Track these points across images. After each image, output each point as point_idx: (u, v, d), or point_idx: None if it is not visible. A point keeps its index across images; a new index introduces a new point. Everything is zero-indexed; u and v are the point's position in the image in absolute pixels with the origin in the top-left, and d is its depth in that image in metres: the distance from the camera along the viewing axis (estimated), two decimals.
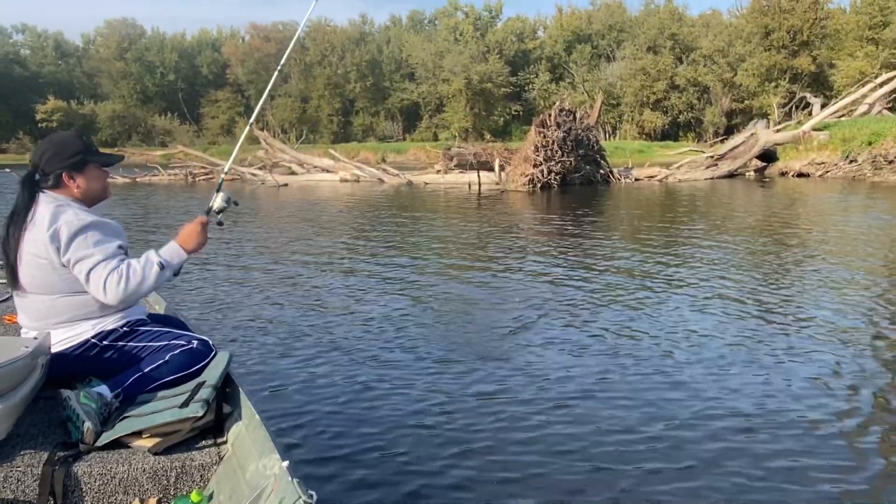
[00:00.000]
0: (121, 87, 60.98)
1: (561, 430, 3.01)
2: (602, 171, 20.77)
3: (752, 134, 24.31)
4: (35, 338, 1.98)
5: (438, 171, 22.33)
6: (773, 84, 45.63)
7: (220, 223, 2.39)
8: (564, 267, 6.96)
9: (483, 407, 3.25)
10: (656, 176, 21.90)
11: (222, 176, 2.64)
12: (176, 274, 2.26)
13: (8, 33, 65.72)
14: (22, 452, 1.81)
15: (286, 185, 21.42)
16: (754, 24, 46.58)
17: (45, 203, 2.14)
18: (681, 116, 51.14)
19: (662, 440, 2.90)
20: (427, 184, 20.94)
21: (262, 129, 29.93)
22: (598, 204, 14.98)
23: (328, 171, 23.66)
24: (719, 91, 49.21)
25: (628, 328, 4.64)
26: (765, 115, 34.98)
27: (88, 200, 2.25)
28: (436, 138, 53.92)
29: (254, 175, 22.89)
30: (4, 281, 3.37)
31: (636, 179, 21.58)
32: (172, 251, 2.18)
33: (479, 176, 18.69)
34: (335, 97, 58.82)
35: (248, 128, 3.09)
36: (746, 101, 47.42)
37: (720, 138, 39.14)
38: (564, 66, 57.12)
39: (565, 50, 58.05)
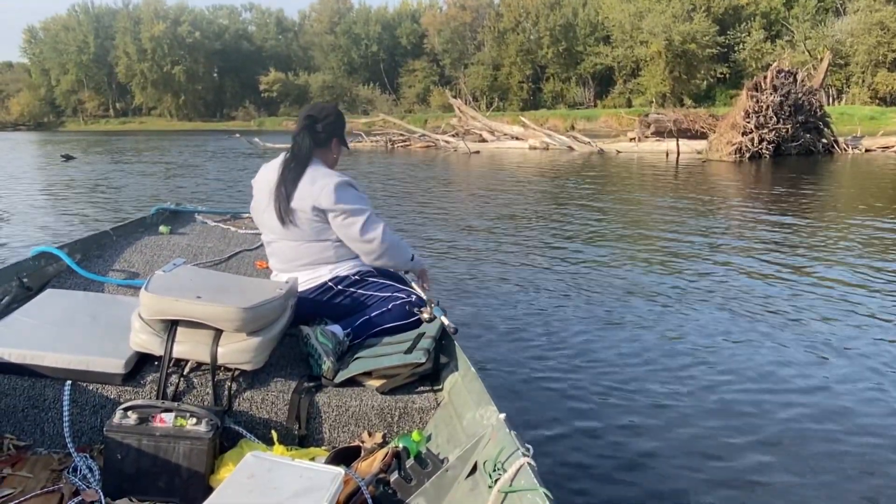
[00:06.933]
0: (330, 59, 66.07)
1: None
2: (825, 141, 18.51)
3: None
4: (287, 282, 2.24)
5: (632, 139, 21.38)
6: None
7: None
8: (774, 263, 6.32)
9: (700, 382, 3.12)
10: (893, 146, 19.04)
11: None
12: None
13: (238, 12, 74.15)
14: (275, 380, 2.08)
15: (477, 152, 21.87)
16: None
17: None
18: None
19: None
20: (620, 152, 20.17)
21: (455, 97, 30.79)
22: (819, 178, 13.38)
23: (518, 139, 23.75)
24: None
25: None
26: None
27: (329, 167, 2.53)
28: (629, 104, 51.46)
29: (447, 142, 23.66)
30: (255, 231, 3.88)
31: (866, 150, 18.96)
32: (419, 262, 2.59)
33: (677, 144, 17.60)
34: (526, 64, 58.43)
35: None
36: None
37: None
38: (783, 22, 51.25)
39: (784, 4, 52.01)
